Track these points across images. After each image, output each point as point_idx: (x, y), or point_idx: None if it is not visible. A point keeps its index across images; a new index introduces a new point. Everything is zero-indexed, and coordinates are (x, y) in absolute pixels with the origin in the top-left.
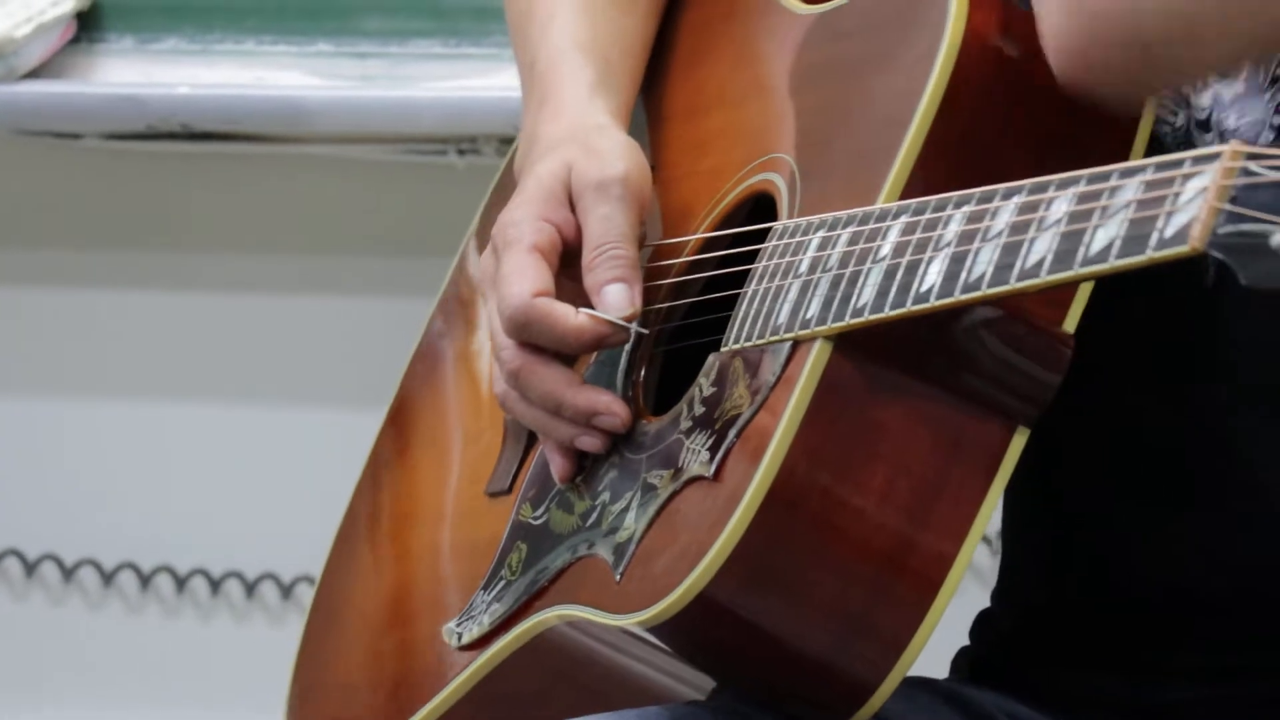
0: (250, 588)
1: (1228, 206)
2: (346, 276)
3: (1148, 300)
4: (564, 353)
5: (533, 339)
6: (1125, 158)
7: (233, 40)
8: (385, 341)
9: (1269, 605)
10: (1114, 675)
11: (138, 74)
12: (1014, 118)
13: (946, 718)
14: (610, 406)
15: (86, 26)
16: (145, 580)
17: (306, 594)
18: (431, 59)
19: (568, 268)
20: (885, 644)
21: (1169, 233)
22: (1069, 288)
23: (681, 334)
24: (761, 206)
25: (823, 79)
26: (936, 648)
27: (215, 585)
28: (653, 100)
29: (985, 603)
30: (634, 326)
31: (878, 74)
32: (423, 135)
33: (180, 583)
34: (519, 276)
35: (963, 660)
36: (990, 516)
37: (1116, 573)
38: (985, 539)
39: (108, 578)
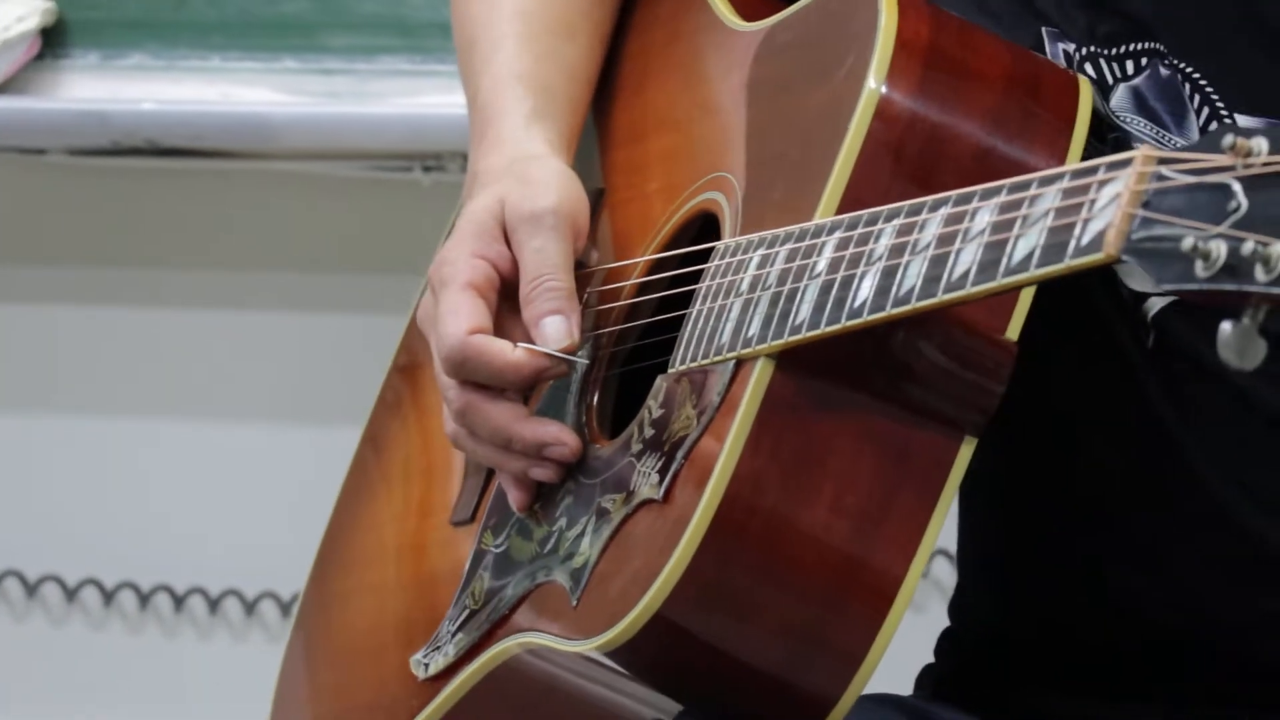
0: (250, 606)
1: (1141, 212)
2: (313, 292)
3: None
4: (505, 388)
5: (470, 376)
6: (1065, 151)
7: (198, 57)
8: (351, 357)
9: (1227, 635)
10: (1073, 697)
11: (103, 90)
12: (946, 127)
13: None
14: (559, 437)
15: (51, 42)
16: (144, 599)
17: None
18: (398, 75)
19: (507, 303)
20: (840, 661)
21: (1085, 240)
22: (1009, 296)
23: (636, 356)
24: (708, 226)
25: (762, 96)
26: (901, 664)
27: (214, 604)
28: (601, 125)
29: (947, 619)
30: (574, 358)
31: (812, 89)
32: (388, 152)
33: (179, 601)
34: (453, 316)
35: (927, 678)
36: (941, 526)
37: (1074, 597)
38: (948, 555)
39: (108, 597)
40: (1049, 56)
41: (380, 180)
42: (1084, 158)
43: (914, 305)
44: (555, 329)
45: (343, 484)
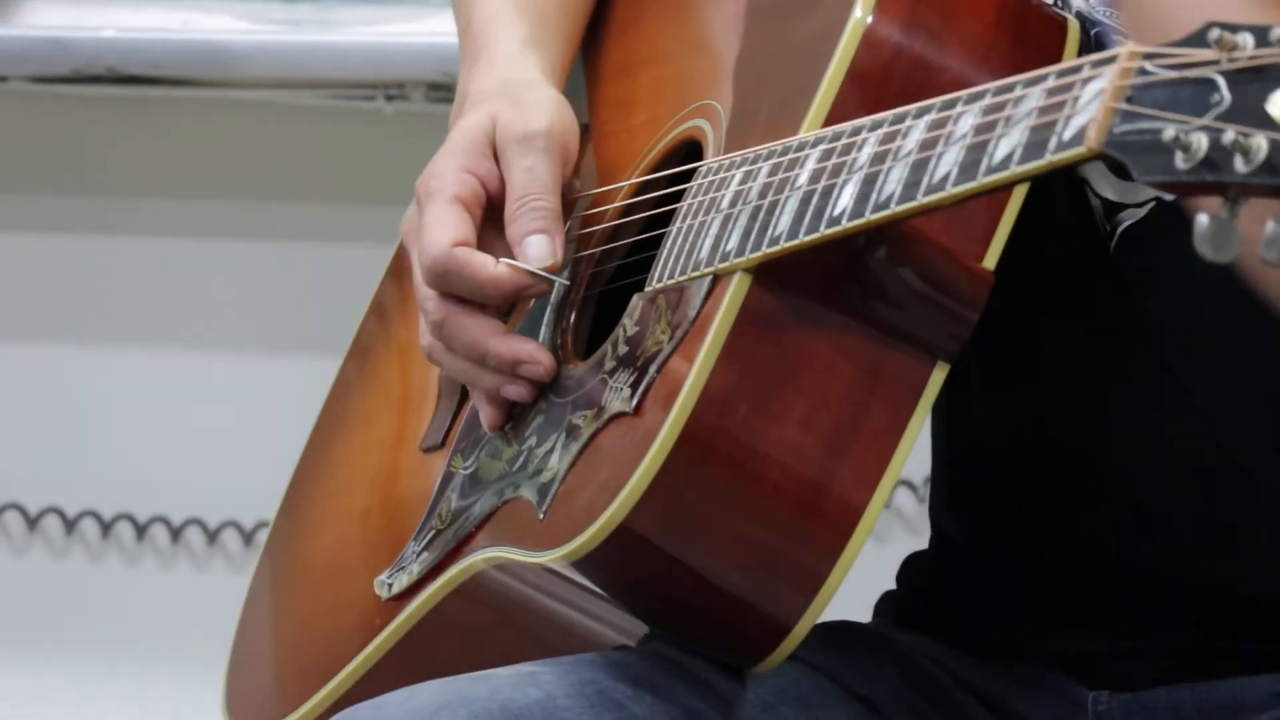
0: (212, 535)
1: (1123, 106)
2: (275, 222)
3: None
4: (485, 302)
5: (451, 289)
6: None
7: None
8: (315, 286)
9: (1200, 567)
10: (1035, 624)
11: (64, 17)
12: (931, 54)
13: (869, 660)
14: (534, 355)
15: None
16: (106, 528)
17: None
18: (360, 4)
19: (492, 220)
20: (801, 583)
21: (1067, 135)
22: (988, 223)
23: (616, 279)
24: (692, 153)
25: (751, 26)
26: (862, 593)
27: (176, 533)
28: (589, 62)
29: (910, 548)
30: (555, 277)
31: (801, 18)
32: (351, 80)
33: (140, 530)
34: (438, 227)
35: (886, 604)
36: (910, 451)
37: (1042, 529)
38: (911, 486)
39: (70, 525)
40: None
41: (343, 109)
42: None
43: (893, 210)
44: (539, 247)
45: (318, 417)
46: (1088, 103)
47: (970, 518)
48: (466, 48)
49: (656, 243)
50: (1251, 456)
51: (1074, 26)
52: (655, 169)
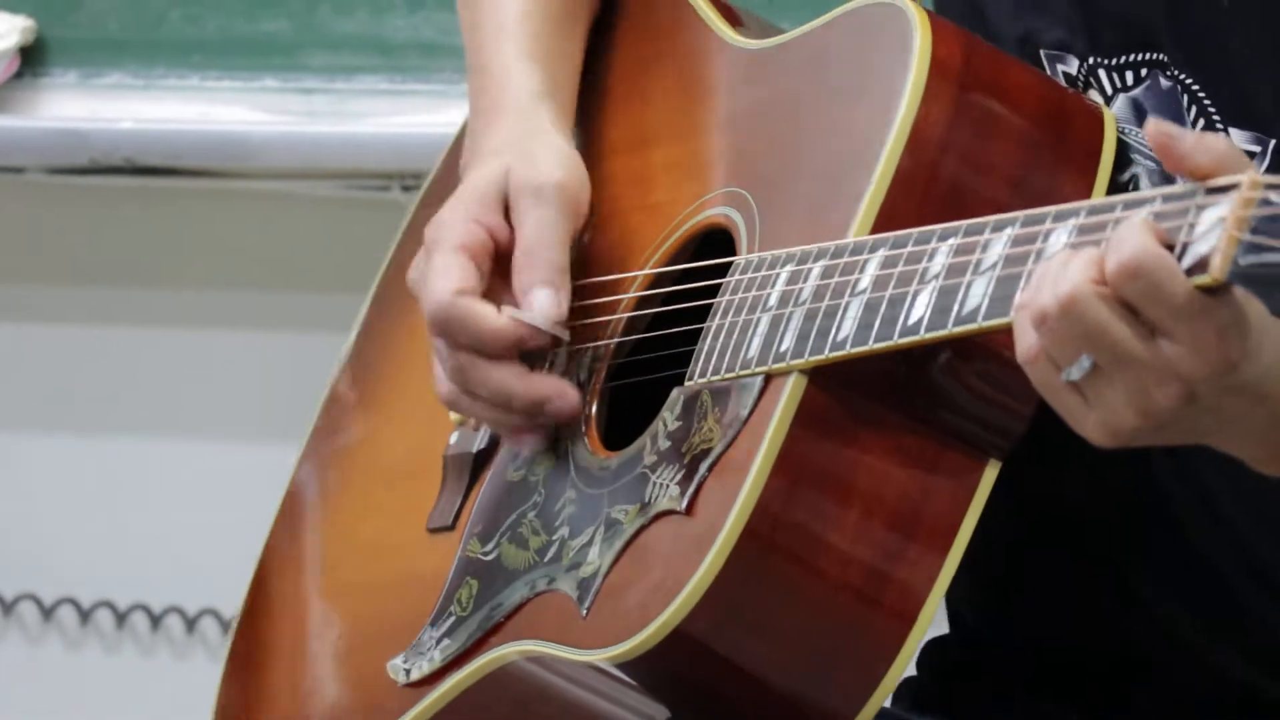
0: (191, 624)
1: (1248, 237)
2: (292, 312)
3: None
4: (485, 353)
5: (453, 337)
6: (1093, 180)
7: (177, 76)
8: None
9: (1197, 659)
10: (1057, 713)
11: (82, 108)
12: (979, 151)
13: None
14: (560, 389)
15: (30, 61)
16: (85, 615)
17: None
18: (377, 95)
19: (500, 272)
20: (858, 683)
21: (1186, 264)
22: None
23: (629, 370)
24: (712, 242)
25: (779, 114)
26: None
27: (156, 621)
28: (588, 135)
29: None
30: (558, 332)
31: (840, 108)
32: (367, 171)
33: (121, 618)
34: (442, 275)
35: (906, 690)
36: (964, 547)
37: (1045, 616)
38: None
39: (47, 613)
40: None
41: (359, 200)
42: (1107, 191)
43: (979, 324)
44: (543, 301)
45: (286, 492)
46: (1207, 231)
47: (990, 605)
48: (478, 95)
49: (682, 336)
50: (1274, 566)
51: (1110, 116)
52: (675, 256)
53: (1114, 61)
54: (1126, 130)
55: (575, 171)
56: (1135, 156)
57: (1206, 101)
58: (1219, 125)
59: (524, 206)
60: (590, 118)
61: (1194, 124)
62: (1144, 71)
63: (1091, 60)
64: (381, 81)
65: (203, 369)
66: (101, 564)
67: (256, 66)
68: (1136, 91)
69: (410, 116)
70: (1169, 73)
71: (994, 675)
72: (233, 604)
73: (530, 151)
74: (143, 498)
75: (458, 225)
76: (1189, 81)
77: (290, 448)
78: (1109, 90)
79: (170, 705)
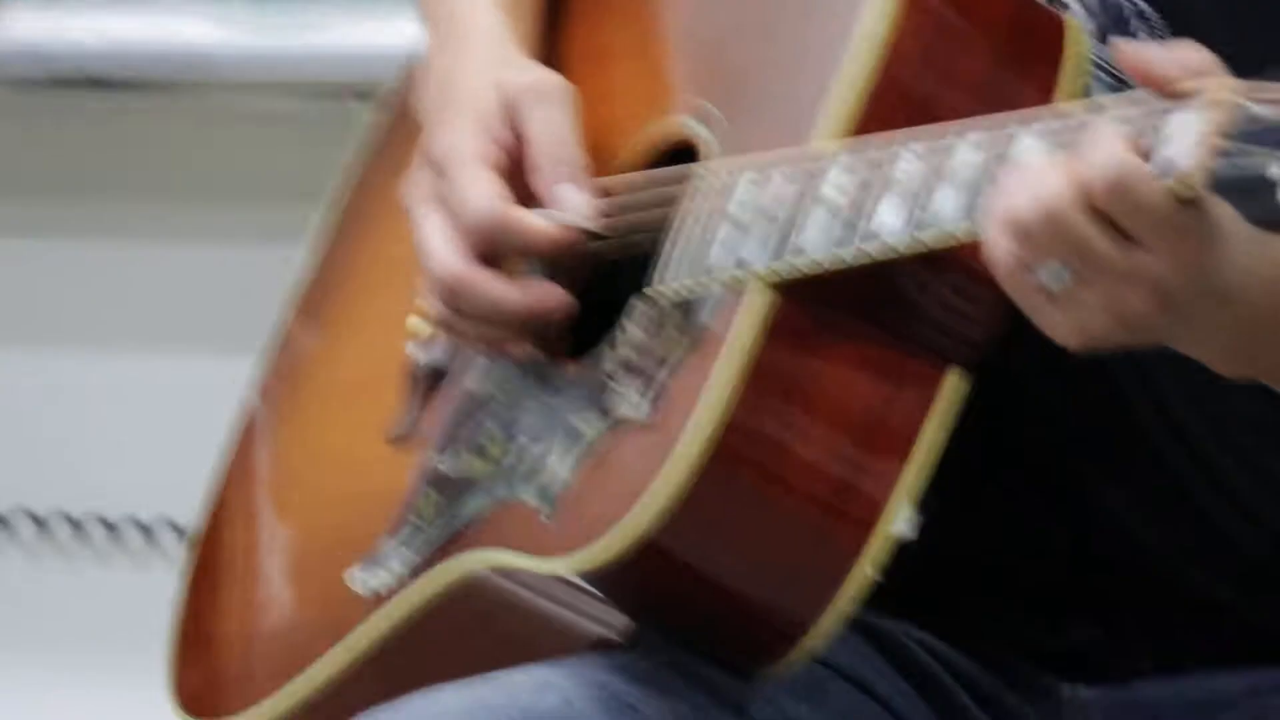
0: (149, 533)
1: (1220, 142)
2: (250, 225)
3: None
4: (532, 255)
5: (497, 247)
6: (1053, 90)
7: None
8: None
9: (1155, 565)
10: (1011, 616)
11: (41, 24)
12: (943, 58)
13: (859, 648)
14: (553, 293)
15: None
16: (41, 525)
17: None
18: (335, 8)
19: (510, 183)
20: (823, 588)
21: (1159, 171)
22: None
23: (591, 277)
24: (677, 153)
25: (740, 25)
26: None
27: (112, 530)
28: (551, 54)
29: None
30: (594, 228)
31: (802, 18)
32: (327, 84)
33: (77, 527)
34: (475, 185)
35: (867, 592)
36: (927, 456)
37: (1015, 525)
38: None
39: (3, 522)
40: None
41: (317, 114)
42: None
43: (944, 230)
44: (571, 196)
45: (244, 405)
46: (1176, 136)
47: (947, 506)
48: (439, 34)
49: (646, 244)
50: (1229, 468)
51: (1073, 24)
52: (638, 167)
53: None
54: (1095, 46)
55: (563, 79)
56: (1098, 73)
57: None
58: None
59: (527, 106)
60: (552, 38)
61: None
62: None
63: None
64: None
65: (161, 281)
66: (57, 475)
67: None
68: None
69: (367, 27)
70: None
71: (951, 579)
72: (190, 514)
73: (512, 64)
74: (100, 409)
75: (469, 140)
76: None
77: (247, 360)
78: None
79: (128, 614)
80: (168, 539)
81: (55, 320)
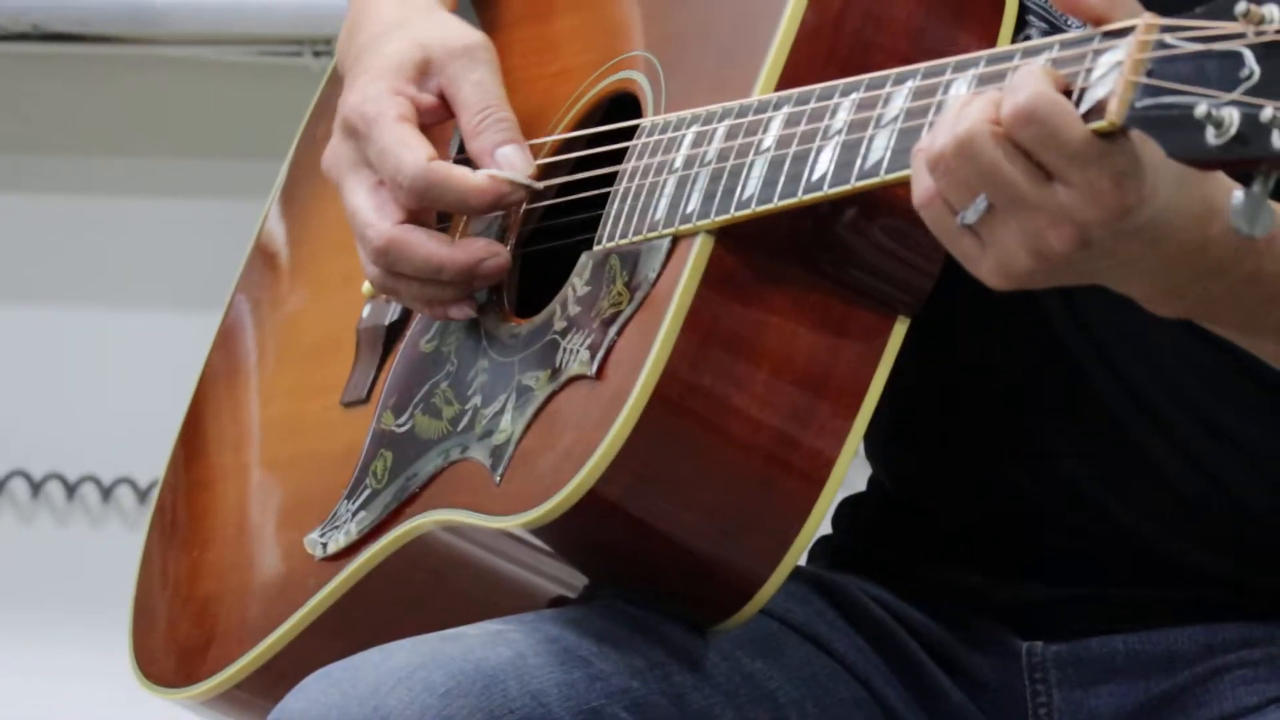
0: (106, 492)
1: (1144, 80)
2: (201, 178)
3: None
4: (468, 214)
5: (432, 204)
6: (996, 32)
7: None
8: (241, 243)
9: (1117, 530)
10: (969, 572)
11: None
12: (881, 6)
13: (815, 604)
14: (489, 248)
15: None
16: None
17: None
18: None
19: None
20: (773, 540)
21: (1083, 108)
22: None
23: (538, 237)
24: (621, 106)
25: None
26: None
27: (71, 490)
28: (489, 8)
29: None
30: (534, 183)
31: None
32: (277, 36)
33: (35, 487)
34: (404, 146)
35: (821, 549)
36: (875, 405)
37: (964, 486)
38: None
39: None
40: None
41: (269, 65)
42: (1012, 41)
43: (882, 177)
44: (516, 155)
45: (203, 369)
46: (1103, 75)
47: (904, 464)
48: None
49: (590, 201)
50: (1173, 417)
51: None
52: (582, 123)
53: None
54: None
55: (486, 37)
56: (1030, 19)
57: None
58: None
59: (458, 70)
60: None
61: None
62: None
63: None
64: None
65: (114, 237)
66: (14, 434)
67: None
68: None
69: None
70: None
71: (908, 536)
72: (148, 473)
73: (434, 21)
74: (57, 367)
75: (385, 100)
76: None
77: (204, 316)
78: None
79: (87, 574)
80: (127, 498)
81: (5, 275)
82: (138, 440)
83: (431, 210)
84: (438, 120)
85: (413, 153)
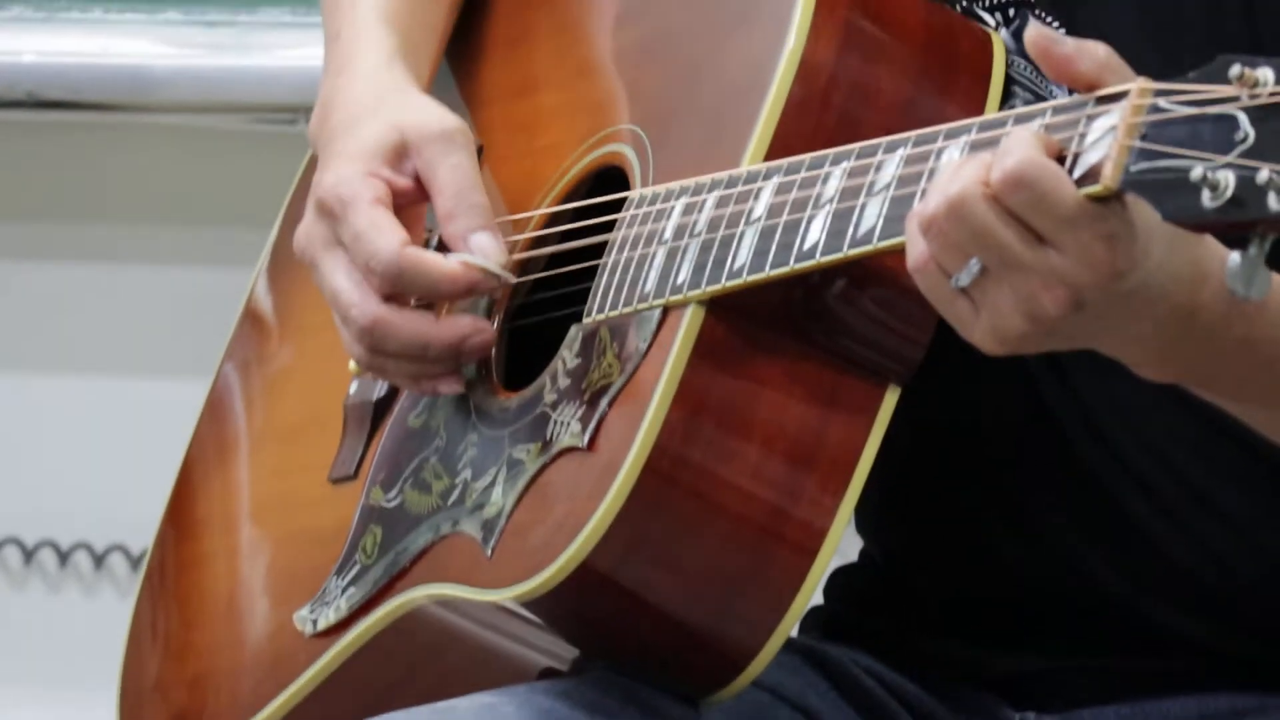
0: (99, 560)
1: (1139, 143)
2: (195, 246)
3: None
4: (438, 300)
5: (405, 290)
6: (983, 105)
7: (79, 8)
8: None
9: (1105, 597)
10: (962, 643)
11: None
12: (870, 77)
13: (807, 675)
14: (475, 325)
15: None
16: None
17: None
18: (281, 28)
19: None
20: (765, 612)
21: (1077, 173)
22: None
23: (526, 310)
24: (607, 180)
25: (665, 49)
26: None
27: (64, 557)
28: (471, 84)
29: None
30: (506, 274)
31: (728, 40)
32: (272, 105)
33: (28, 554)
34: (377, 231)
35: (813, 619)
36: (866, 476)
37: (952, 551)
38: None
39: None
40: None
41: (264, 134)
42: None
43: (875, 245)
44: (488, 243)
45: (191, 440)
46: (1097, 140)
47: (895, 536)
48: (332, 59)
49: (578, 274)
50: (1161, 485)
51: (998, 39)
52: (569, 196)
53: (986, 2)
54: (1013, 62)
55: (460, 118)
56: (1015, 89)
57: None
58: None
59: (434, 154)
60: (471, 70)
61: None
62: (1012, 12)
63: (966, 3)
64: (285, 14)
65: (106, 304)
66: (7, 501)
67: None
68: (1008, 31)
69: (314, 49)
70: (1037, 13)
71: (900, 607)
72: (141, 540)
73: (409, 104)
74: (50, 434)
75: (358, 181)
76: (1055, 25)
77: (194, 383)
78: (991, 25)
79: (79, 641)
80: (119, 566)
81: None
82: (130, 508)
83: (407, 294)
84: (413, 203)
85: (386, 238)
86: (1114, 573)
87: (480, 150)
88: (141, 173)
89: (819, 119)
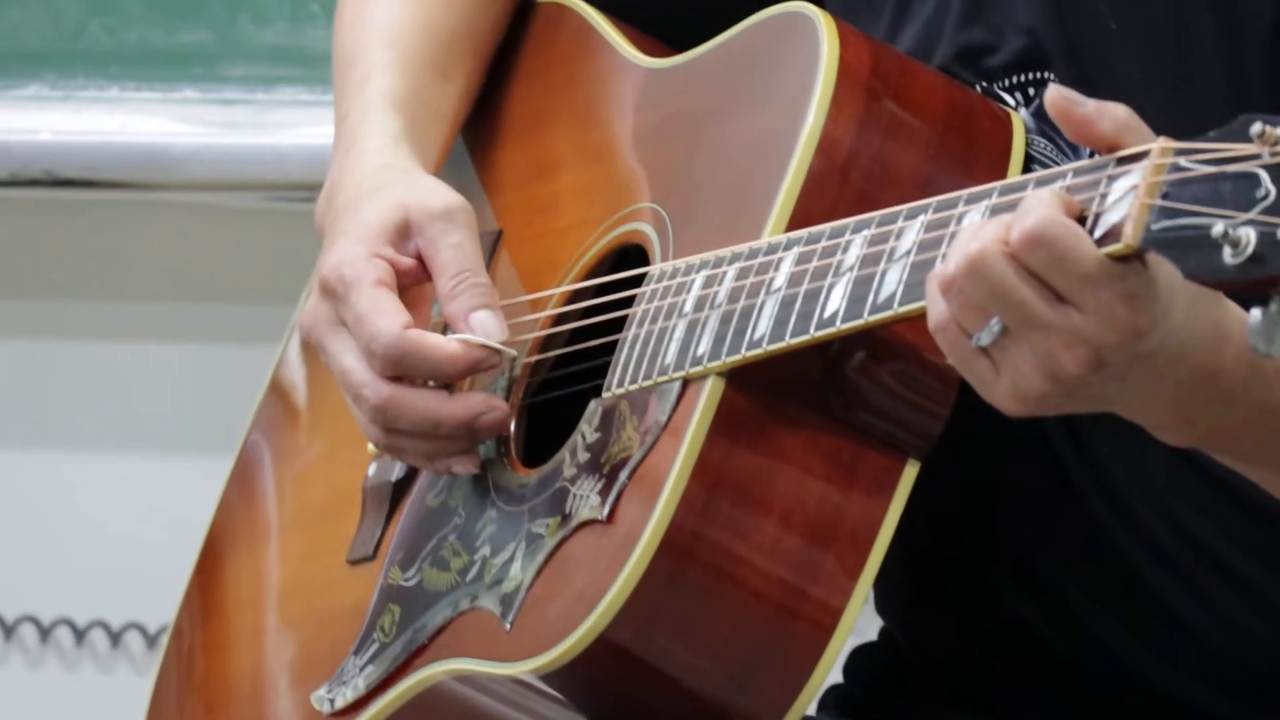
0: (115, 637)
1: (1159, 202)
2: (213, 324)
3: None
4: (440, 381)
5: (407, 372)
6: (1004, 173)
7: (96, 86)
8: (252, 388)
9: (1119, 664)
10: (980, 711)
11: (0, 120)
12: (890, 154)
13: None
14: (488, 403)
15: None
16: (8, 631)
17: None
18: (297, 106)
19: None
20: (782, 686)
21: (1098, 233)
22: None
23: (547, 387)
24: (628, 258)
25: (686, 128)
26: None
27: (80, 635)
28: (490, 170)
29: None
30: (508, 350)
31: (748, 116)
32: (289, 183)
33: (45, 632)
34: (379, 313)
35: (831, 698)
36: (885, 550)
37: (968, 620)
38: None
39: None
40: None
41: (280, 211)
42: None
43: (896, 310)
44: (490, 321)
45: (212, 523)
46: (1118, 199)
47: (914, 614)
48: (340, 139)
49: (598, 350)
50: (1182, 556)
51: (1017, 118)
52: (589, 275)
53: (1006, 82)
54: (1033, 141)
55: (462, 198)
56: (1035, 168)
57: None
58: None
59: (436, 233)
60: (489, 156)
61: None
62: (1032, 91)
63: (985, 83)
64: (301, 92)
65: (123, 382)
66: (24, 579)
67: (176, 77)
68: (1028, 111)
69: (330, 127)
70: None
71: (919, 685)
72: (157, 618)
73: (413, 184)
74: (64, 512)
75: (362, 263)
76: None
77: (212, 461)
78: (1012, 105)
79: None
80: (135, 644)
81: (13, 423)
82: (147, 585)
83: (409, 375)
84: (416, 282)
85: (387, 321)
86: (1138, 644)
87: (500, 234)
88: (159, 250)
89: (839, 194)
